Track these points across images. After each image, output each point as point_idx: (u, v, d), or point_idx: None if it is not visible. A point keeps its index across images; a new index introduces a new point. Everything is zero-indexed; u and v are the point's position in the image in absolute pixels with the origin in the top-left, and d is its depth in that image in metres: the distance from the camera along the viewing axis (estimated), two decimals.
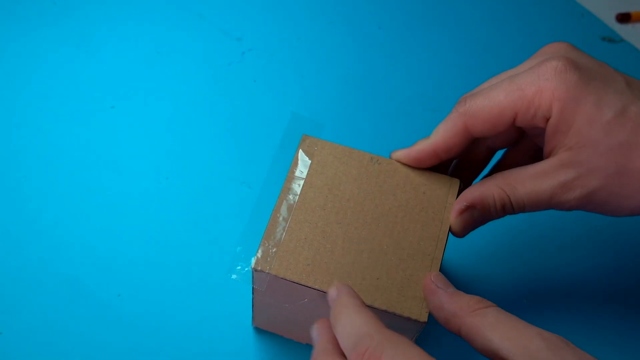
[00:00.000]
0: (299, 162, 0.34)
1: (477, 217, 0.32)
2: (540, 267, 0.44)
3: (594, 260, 0.44)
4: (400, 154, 0.34)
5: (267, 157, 0.48)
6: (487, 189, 0.32)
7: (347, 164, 0.34)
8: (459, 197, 0.33)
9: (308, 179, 0.34)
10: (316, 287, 0.31)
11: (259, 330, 0.41)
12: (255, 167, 0.47)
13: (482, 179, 0.34)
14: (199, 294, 0.42)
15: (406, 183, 0.34)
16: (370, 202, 0.33)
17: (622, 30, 0.57)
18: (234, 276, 0.33)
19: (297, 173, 0.34)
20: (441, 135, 0.33)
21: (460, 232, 0.33)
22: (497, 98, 0.31)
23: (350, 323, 0.27)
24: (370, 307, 0.30)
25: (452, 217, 0.33)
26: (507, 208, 0.32)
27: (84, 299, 0.41)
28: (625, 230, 0.46)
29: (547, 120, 0.31)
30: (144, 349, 0.40)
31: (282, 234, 0.32)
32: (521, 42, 0.56)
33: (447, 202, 0.33)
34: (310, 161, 0.34)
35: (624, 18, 0.57)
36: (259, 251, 0.32)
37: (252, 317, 0.39)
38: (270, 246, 0.32)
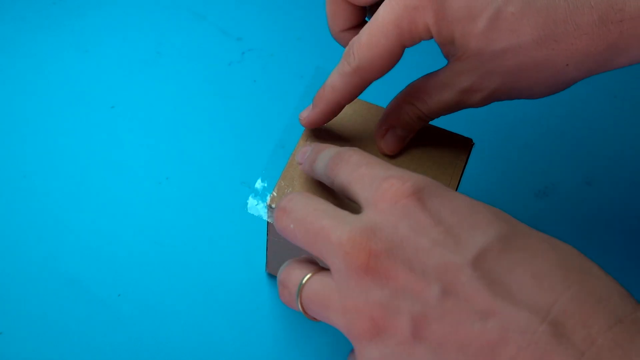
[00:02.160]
0: None
1: (400, 133, 0.34)
2: None
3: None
4: (307, 116, 0.35)
5: (267, 158, 0.48)
6: (400, 107, 0.34)
7: (365, 117, 0.36)
8: (379, 120, 0.35)
9: (325, 131, 0.35)
10: None
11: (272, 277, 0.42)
12: (255, 167, 0.47)
13: (396, 95, 0.35)
14: (199, 294, 0.42)
15: (421, 138, 0.35)
16: (383, 155, 0.35)
17: None
18: (253, 208, 0.34)
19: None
20: (339, 88, 0.33)
21: (391, 151, 0.35)
22: (380, 43, 0.31)
23: (367, 156, 0.27)
24: None
25: (378, 140, 0.35)
26: (424, 118, 0.34)
27: (84, 298, 0.41)
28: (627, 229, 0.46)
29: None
30: (144, 349, 0.40)
31: (297, 176, 0.34)
32: None
33: (458, 159, 0.35)
34: None
35: None
36: (275, 189, 0.33)
37: (266, 262, 0.41)
38: (285, 185, 0.33)
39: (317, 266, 0.26)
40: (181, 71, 0.52)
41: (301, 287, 0.25)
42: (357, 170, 0.26)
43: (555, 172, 0.48)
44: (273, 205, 0.33)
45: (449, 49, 0.31)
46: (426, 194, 0.23)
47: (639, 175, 0.48)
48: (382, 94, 0.40)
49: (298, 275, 0.26)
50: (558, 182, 0.47)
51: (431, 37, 0.31)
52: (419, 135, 0.35)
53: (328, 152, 0.29)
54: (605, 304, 0.21)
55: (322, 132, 0.35)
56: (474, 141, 0.36)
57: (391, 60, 0.32)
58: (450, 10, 0.30)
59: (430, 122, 0.36)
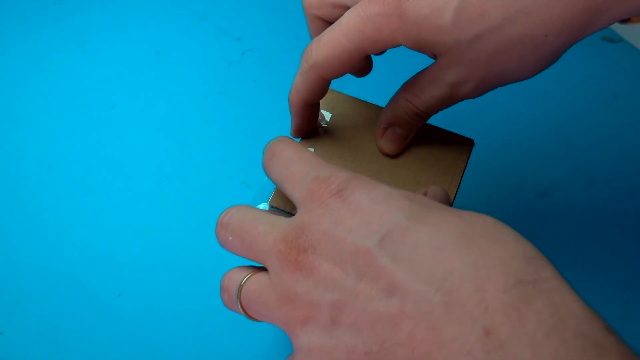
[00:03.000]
0: (320, 113, 0.36)
1: (399, 132, 0.34)
2: None
3: (595, 259, 0.44)
4: (291, 128, 0.36)
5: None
6: (397, 105, 0.34)
7: (366, 117, 0.36)
8: (378, 120, 0.35)
9: (327, 129, 0.35)
10: None
11: None
12: (255, 167, 0.47)
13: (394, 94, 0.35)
14: (199, 294, 0.42)
15: (421, 138, 0.35)
16: (385, 154, 0.35)
17: (622, 30, 0.57)
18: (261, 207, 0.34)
19: (318, 123, 0.36)
20: (300, 88, 0.34)
21: (391, 150, 0.35)
22: (341, 43, 0.31)
23: (300, 151, 0.28)
24: None
25: (378, 140, 0.35)
26: (420, 114, 0.34)
27: (84, 298, 0.41)
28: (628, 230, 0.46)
29: (400, 44, 0.32)
30: (144, 349, 0.40)
31: None
32: None
33: (459, 159, 0.35)
34: (331, 114, 0.36)
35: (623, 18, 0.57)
36: (277, 189, 0.33)
37: None
38: None
39: (256, 268, 0.27)
40: (181, 71, 0.52)
41: (240, 288, 0.27)
42: (289, 167, 0.27)
43: (555, 172, 0.48)
44: (274, 205, 0.33)
45: (429, 49, 0.31)
46: (349, 191, 0.25)
47: (639, 175, 0.48)
48: (383, 95, 0.40)
49: (237, 278, 0.27)
50: (558, 182, 0.47)
51: (399, 44, 0.31)
52: (420, 136, 0.35)
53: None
54: (505, 267, 0.21)
55: (322, 134, 0.35)
56: (474, 142, 0.36)
57: (349, 62, 0.32)
58: (413, 12, 0.30)
59: (432, 123, 0.36)
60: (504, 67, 0.31)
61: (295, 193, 0.26)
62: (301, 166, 0.27)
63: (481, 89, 0.32)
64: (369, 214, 0.24)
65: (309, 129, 0.35)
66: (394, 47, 0.32)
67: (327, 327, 0.23)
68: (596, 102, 0.52)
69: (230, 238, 0.27)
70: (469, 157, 0.35)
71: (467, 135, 0.36)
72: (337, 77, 0.33)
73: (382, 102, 0.37)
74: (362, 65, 0.37)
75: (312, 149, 0.35)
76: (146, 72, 0.52)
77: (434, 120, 0.37)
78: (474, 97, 0.33)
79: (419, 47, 0.31)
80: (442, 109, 0.34)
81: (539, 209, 0.46)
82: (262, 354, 0.40)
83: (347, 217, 0.24)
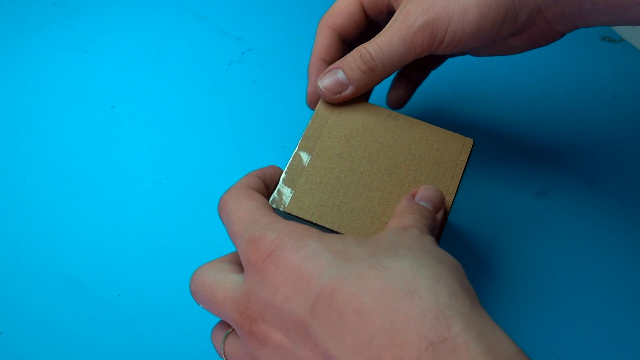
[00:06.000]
0: (321, 113, 0.36)
1: (341, 77, 0.35)
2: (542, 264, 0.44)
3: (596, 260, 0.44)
4: (313, 88, 0.39)
5: (267, 157, 0.48)
6: (352, 51, 0.35)
7: (366, 117, 0.36)
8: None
9: (327, 129, 0.35)
10: (327, 226, 0.32)
11: None
12: (255, 167, 0.47)
13: None
14: None
15: (421, 139, 0.35)
16: (385, 154, 0.35)
17: (622, 30, 0.57)
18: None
19: (318, 124, 0.36)
20: (315, 42, 0.38)
21: (325, 90, 0.35)
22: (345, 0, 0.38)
23: (237, 207, 0.30)
24: None
25: (318, 77, 0.36)
26: (369, 62, 0.35)
27: (84, 299, 0.41)
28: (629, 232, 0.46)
29: None
30: (144, 349, 0.40)
31: (299, 176, 0.34)
32: None
33: (459, 159, 0.35)
34: (331, 113, 0.36)
35: None
36: (276, 191, 0.33)
37: None
38: (287, 187, 0.34)
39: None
40: (181, 71, 0.52)
41: (223, 347, 0.29)
42: (230, 227, 0.29)
43: (555, 172, 0.48)
44: (274, 206, 0.33)
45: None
46: (278, 252, 0.26)
47: (639, 175, 0.48)
48: (384, 96, 0.40)
49: (219, 337, 0.30)
50: (558, 182, 0.47)
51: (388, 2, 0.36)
52: (420, 136, 0.35)
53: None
54: (417, 329, 0.22)
55: (323, 133, 0.35)
56: (474, 141, 0.36)
57: (353, 11, 0.37)
58: None
59: (432, 123, 0.36)
60: (454, 2, 0.33)
61: (239, 253, 0.28)
62: (237, 227, 0.29)
63: (425, 22, 0.33)
64: (298, 278, 0.25)
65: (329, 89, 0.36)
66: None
67: None
68: (596, 102, 0.52)
69: (200, 305, 0.30)
70: (469, 158, 0.35)
71: (467, 135, 0.36)
72: (345, 30, 0.37)
73: (383, 103, 0.37)
74: (365, 25, 0.39)
75: (308, 156, 0.35)
76: (146, 72, 0.52)
77: (435, 121, 0.37)
78: (417, 46, 0.34)
79: None
80: (397, 63, 0.35)
81: (539, 209, 0.46)
82: None
83: (281, 282, 0.25)
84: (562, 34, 0.35)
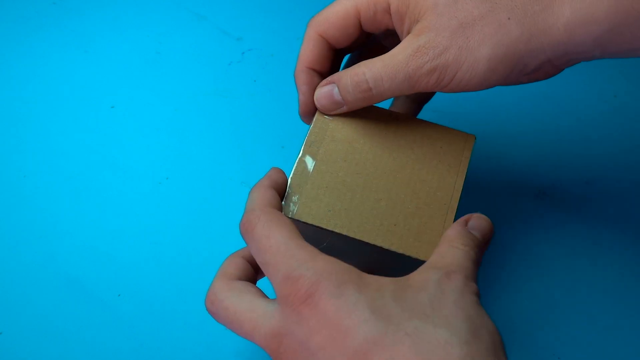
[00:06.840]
0: (322, 118, 0.36)
1: (336, 95, 0.35)
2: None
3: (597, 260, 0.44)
4: (305, 98, 0.37)
5: (267, 157, 0.48)
6: (351, 68, 0.34)
7: (368, 119, 0.36)
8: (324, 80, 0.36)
9: (330, 133, 0.35)
10: (336, 230, 0.32)
11: None
12: (255, 167, 0.47)
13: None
14: (199, 294, 0.42)
15: (424, 138, 0.35)
16: (389, 155, 0.35)
17: None
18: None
19: (320, 128, 0.35)
20: (303, 49, 0.36)
21: (320, 106, 0.35)
22: (341, 3, 0.35)
23: (267, 235, 0.29)
24: (387, 250, 0.32)
25: (316, 89, 0.36)
26: (364, 87, 0.34)
27: (84, 298, 0.41)
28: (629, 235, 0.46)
29: (389, 14, 0.34)
30: (144, 349, 0.40)
31: (305, 182, 0.34)
32: None
33: (463, 156, 0.35)
34: (332, 117, 0.36)
35: None
36: (283, 198, 0.33)
37: None
38: (293, 193, 0.33)
39: None
40: (181, 71, 0.52)
41: None
42: (261, 255, 0.29)
43: (555, 172, 0.48)
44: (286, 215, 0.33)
45: (407, 18, 0.33)
46: (316, 297, 0.26)
47: (639, 175, 0.48)
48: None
49: None
50: (558, 182, 0.47)
51: (389, 19, 0.34)
52: (422, 134, 0.35)
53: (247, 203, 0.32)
54: None
55: (326, 137, 0.35)
56: (475, 137, 0.36)
57: (345, 19, 0.35)
58: None
59: (433, 122, 0.36)
60: (465, 43, 0.32)
61: (272, 281, 0.28)
62: (270, 258, 0.28)
63: (434, 66, 0.32)
64: (335, 330, 0.25)
65: (315, 107, 0.36)
66: (382, 31, 0.36)
67: None
68: (596, 102, 0.52)
69: (225, 326, 0.30)
70: (471, 152, 0.35)
71: None
72: (338, 42, 0.35)
73: (384, 104, 0.37)
74: (361, 40, 0.38)
75: (313, 161, 0.34)
76: (146, 72, 0.52)
77: (434, 121, 0.37)
78: (422, 83, 0.33)
79: (398, 16, 0.33)
80: (393, 94, 0.34)
81: (539, 209, 0.46)
82: (262, 354, 0.40)
83: (316, 330, 0.25)
84: (562, 69, 0.35)
